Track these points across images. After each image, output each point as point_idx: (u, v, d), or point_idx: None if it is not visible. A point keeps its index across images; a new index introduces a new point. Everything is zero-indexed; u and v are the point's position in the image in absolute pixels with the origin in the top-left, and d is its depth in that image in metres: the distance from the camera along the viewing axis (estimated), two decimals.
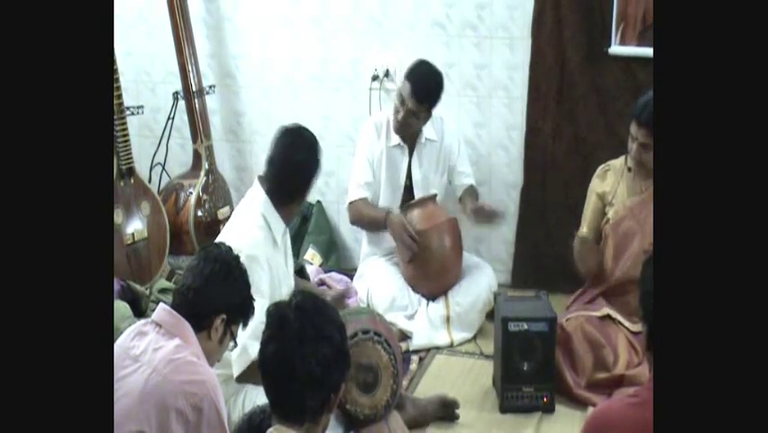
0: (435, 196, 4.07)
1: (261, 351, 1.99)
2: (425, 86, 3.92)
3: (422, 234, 3.92)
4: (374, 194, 4.11)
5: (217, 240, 2.93)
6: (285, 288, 3.18)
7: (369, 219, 4.07)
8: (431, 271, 3.98)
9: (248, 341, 2.77)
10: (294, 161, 3.14)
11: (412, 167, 4.11)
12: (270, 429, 1.95)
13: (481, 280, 4.07)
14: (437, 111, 4.12)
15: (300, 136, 3.19)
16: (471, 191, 4.18)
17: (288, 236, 3.31)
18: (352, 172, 4.18)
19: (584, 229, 3.69)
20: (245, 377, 2.96)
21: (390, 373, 2.95)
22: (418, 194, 4.10)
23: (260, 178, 3.20)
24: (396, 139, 4.07)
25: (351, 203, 4.11)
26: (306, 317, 1.96)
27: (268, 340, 1.98)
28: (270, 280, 3.05)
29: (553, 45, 4.25)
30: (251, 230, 3.07)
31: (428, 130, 4.09)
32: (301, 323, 1.95)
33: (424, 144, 4.10)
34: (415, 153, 4.10)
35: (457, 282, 4.04)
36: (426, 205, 4.02)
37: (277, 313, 2.00)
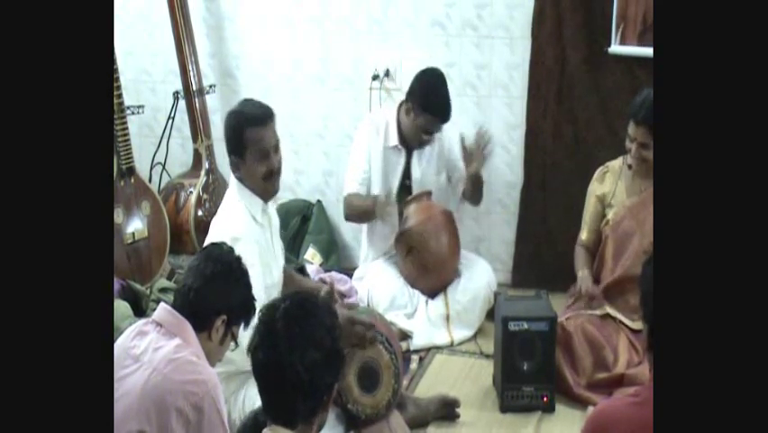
0: (430, 192, 4.09)
1: (252, 357, 1.99)
2: (446, 107, 3.94)
3: (418, 227, 3.93)
4: (369, 190, 4.11)
5: (207, 238, 2.94)
6: (275, 268, 3.18)
7: (360, 210, 4.07)
8: (429, 265, 3.98)
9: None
10: (224, 127, 3.18)
11: (412, 166, 4.12)
12: (265, 430, 1.96)
13: (480, 278, 4.08)
14: None
15: (235, 107, 3.24)
16: None
17: (272, 214, 3.28)
18: (348, 167, 4.19)
19: (584, 234, 3.70)
20: None
21: (392, 373, 2.95)
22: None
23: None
24: (394, 140, 4.08)
25: (345, 197, 4.12)
26: (294, 325, 1.95)
27: (257, 347, 1.98)
28: (260, 257, 3.05)
29: (554, 45, 4.25)
30: (231, 215, 3.09)
31: None
32: (289, 331, 1.94)
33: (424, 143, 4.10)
34: (415, 153, 4.11)
35: (456, 279, 4.05)
36: (422, 200, 4.04)
37: (265, 320, 1.99)
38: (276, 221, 3.33)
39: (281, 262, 3.30)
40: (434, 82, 3.99)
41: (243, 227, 3.04)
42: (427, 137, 4.02)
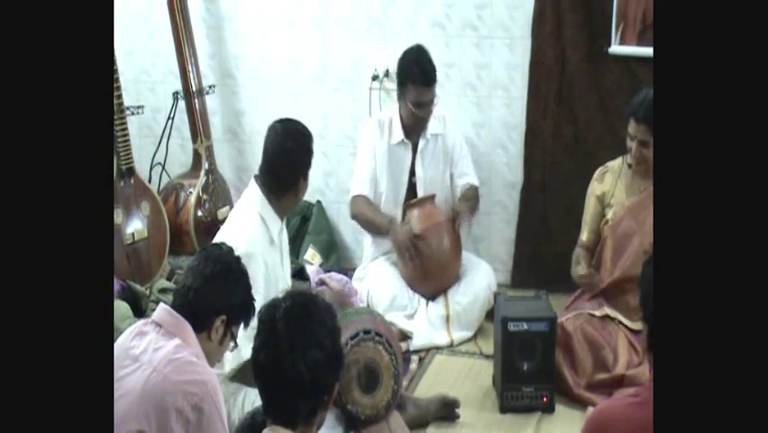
0: (434, 196, 4.08)
1: (253, 356, 1.99)
2: (424, 70, 3.93)
3: (421, 234, 3.93)
4: (377, 191, 4.11)
5: (215, 240, 2.93)
6: (282, 286, 3.18)
7: (370, 222, 4.07)
8: (430, 271, 3.98)
9: (241, 342, 2.77)
10: (283, 148, 3.17)
11: (416, 164, 4.12)
12: (265, 430, 1.96)
13: (480, 279, 4.08)
14: (440, 111, 4.12)
15: (290, 126, 3.23)
16: (471, 191, 4.18)
17: (284, 234, 3.31)
18: (355, 167, 4.19)
19: (584, 235, 3.70)
20: (238, 377, 2.96)
21: (391, 374, 2.95)
22: (421, 191, 4.11)
23: (255, 177, 3.22)
24: (399, 136, 4.07)
25: (354, 197, 4.12)
26: (295, 324, 1.95)
27: (259, 347, 1.98)
28: (267, 277, 3.05)
29: (553, 45, 4.25)
30: (248, 228, 3.08)
31: (433, 125, 4.10)
32: (291, 330, 1.94)
33: (428, 140, 4.10)
34: (419, 151, 4.11)
35: (456, 282, 4.05)
36: (425, 205, 4.03)
37: (267, 319, 1.98)
38: (287, 243, 3.33)
39: (288, 282, 3.32)
40: (409, 57, 3.98)
41: (258, 246, 3.05)
42: (421, 112, 3.96)
